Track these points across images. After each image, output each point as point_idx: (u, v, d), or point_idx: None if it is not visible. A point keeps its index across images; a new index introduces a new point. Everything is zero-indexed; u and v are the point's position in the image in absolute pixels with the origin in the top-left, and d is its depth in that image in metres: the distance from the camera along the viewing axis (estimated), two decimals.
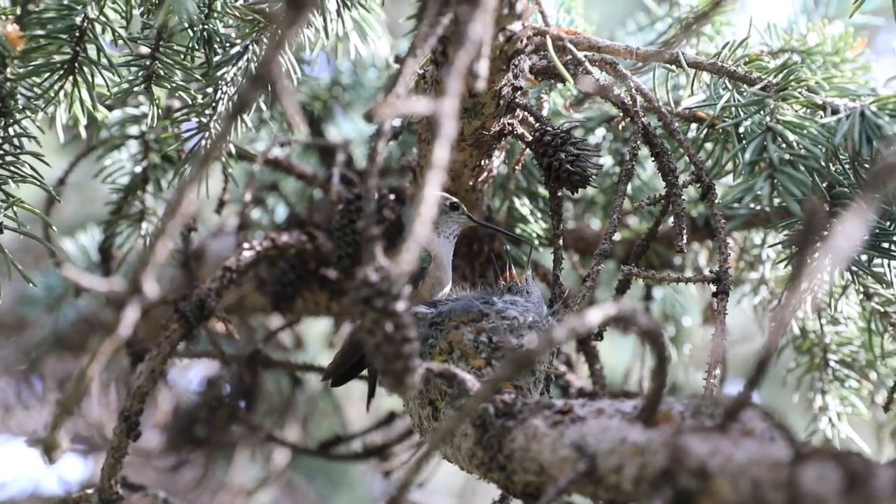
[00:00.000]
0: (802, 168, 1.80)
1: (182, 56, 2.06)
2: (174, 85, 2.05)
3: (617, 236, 2.51)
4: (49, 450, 1.51)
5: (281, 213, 2.84)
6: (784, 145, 1.82)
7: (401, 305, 1.48)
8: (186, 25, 2.02)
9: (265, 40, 1.94)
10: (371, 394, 2.15)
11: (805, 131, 1.83)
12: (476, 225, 2.16)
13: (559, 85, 2.22)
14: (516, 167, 2.27)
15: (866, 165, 1.81)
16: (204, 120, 2.09)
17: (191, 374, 3.51)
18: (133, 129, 2.38)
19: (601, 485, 1.54)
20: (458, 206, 2.13)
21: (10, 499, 3.98)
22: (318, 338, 3.44)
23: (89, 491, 2.15)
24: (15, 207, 2.00)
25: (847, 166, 1.88)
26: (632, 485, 1.49)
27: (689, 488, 1.40)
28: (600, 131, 2.46)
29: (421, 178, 2.18)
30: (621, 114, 2.09)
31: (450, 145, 1.31)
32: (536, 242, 2.33)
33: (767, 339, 1.36)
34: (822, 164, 1.84)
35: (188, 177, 1.29)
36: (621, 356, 3.00)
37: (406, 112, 1.30)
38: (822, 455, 1.30)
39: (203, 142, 2.07)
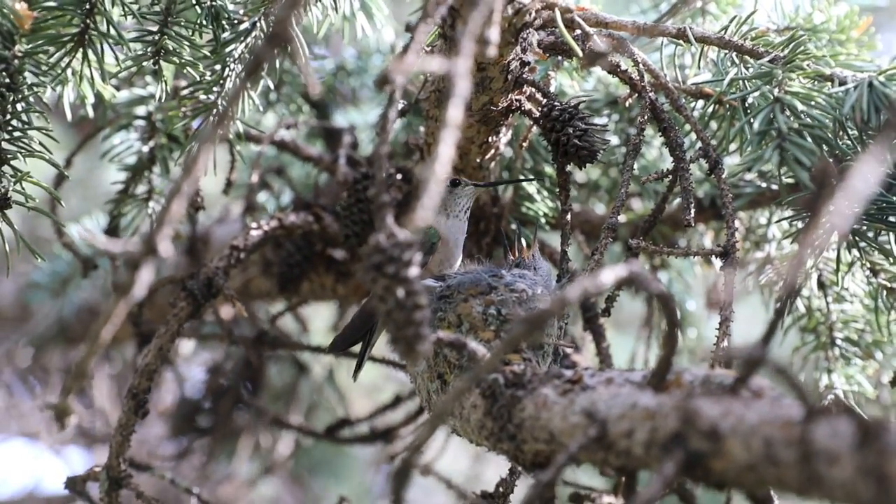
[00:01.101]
0: (810, 139, 1.80)
1: (190, 32, 2.06)
2: (183, 61, 2.05)
3: (622, 218, 2.53)
4: (62, 415, 1.51)
5: (287, 197, 2.84)
6: (792, 116, 1.82)
7: (413, 272, 1.49)
8: (195, 1, 2.03)
9: (277, 7, 1.94)
10: (359, 365, 2.13)
11: (813, 102, 1.84)
12: (484, 187, 2.17)
13: (566, 63, 2.23)
14: (522, 144, 2.27)
15: (874, 136, 1.82)
16: (211, 98, 2.09)
17: (195, 364, 3.52)
18: (140, 110, 2.38)
19: (612, 450, 1.54)
20: (459, 180, 2.14)
21: (10, 498, 3.99)
22: (321, 329, 3.45)
23: (97, 469, 2.15)
24: (23, 183, 2.00)
25: (855, 139, 1.89)
26: (643, 449, 1.49)
27: (701, 450, 1.41)
28: (606, 112, 2.46)
29: (428, 155, 2.19)
30: (628, 91, 2.10)
31: (463, 104, 1.31)
32: (543, 222, 2.34)
33: (782, 290, 1.36)
34: (830, 135, 1.84)
35: (204, 136, 1.30)
36: (621, 355, 3.00)
37: (420, 70, 1.30)
38: (834, 412, 1.31)
39: (210, 118, 2.07)
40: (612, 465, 1.60)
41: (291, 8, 1.25)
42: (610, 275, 1.39)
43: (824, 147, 1.82)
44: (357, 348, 2.14)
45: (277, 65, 2.02)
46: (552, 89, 2.18)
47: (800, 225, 1.99)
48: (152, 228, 1.34)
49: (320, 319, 3.54)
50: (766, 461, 1.34)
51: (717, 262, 2.01)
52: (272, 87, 2.26)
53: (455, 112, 1.30)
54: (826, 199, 1.33)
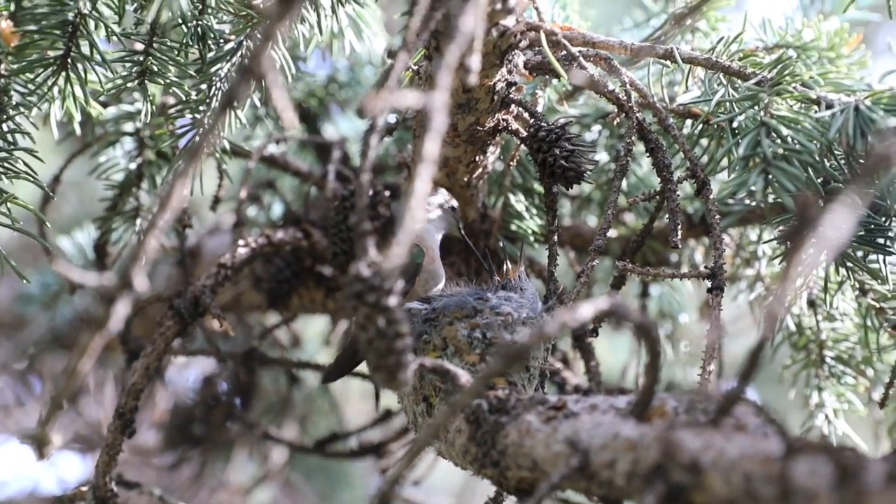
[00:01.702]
0: (796, 163, 1.80)
1: (176, 52, 2.05)
2: (168, 81, 2.05)
3: (613, 233, 2.52)
4: (41, 445, 1.51)
5: (277, 210, 2.83)
6: (778, 140, 1.81)
7: (393, 300, 1.48)
8: (180, 21, 2.02)
9: (257, 35, 1.94)
10: (378, 391, 2.14)
11: (799, 126, 1.83)
12: (458, 235, 2.18)
13: (554, 81, 2.21)
14: (511, 163, 2.27)
15: (860, 160, 1.81)
16: (198, 116, 2.09)
17: (188, 374, 3.52)
18: (128, 126, 2.37)
19: (594, 480, 1.53)
20: (456, 209, 2.16)
21: (9, 498, 3.99)
22: (315, 336, 3.44)
23: (84, 488, 2.15)
24: (9, 204, 1.99)
25: (842, 161, 1.88)
26: (624, 480, 1.49)
27: (682, 483, 1.40)
28: (596, 128, 2.45)
29: (414, 173, 2.18)
30: (616, 110, 2.09)
31: (440, 139, 1.31)
32: (532, 240, 2.33)
33: (761, 332, 1.35)
34: (817, 158, 1.83)
35: (179, 171, 1.29)
36: (618, 356, 3.00)
37: (396, 105, 1.29)
38: (814, 449, 1.30)
39: (196, 138, 2.06)
40: (594, 494, 1.60)
41: (265, 42, 1.24)
42: (590, 308, 1.39)
43: (810, 171, 1.81)
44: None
45: (253, 94, 2.02)
46: (541, 106, 2.17)
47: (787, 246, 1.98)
48: (128, 262, 1.33)
49: (315, 326, 3.54)
50: (745, 496, 1.34)
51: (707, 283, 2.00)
52: (259, 105, 2.25)
53: (432, 147, 1.29)
54: (807, 233, 1.32)
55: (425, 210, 1.33)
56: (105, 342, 1.36)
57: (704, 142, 2.09)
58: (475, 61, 1.47)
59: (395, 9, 2.56)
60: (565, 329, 1.36)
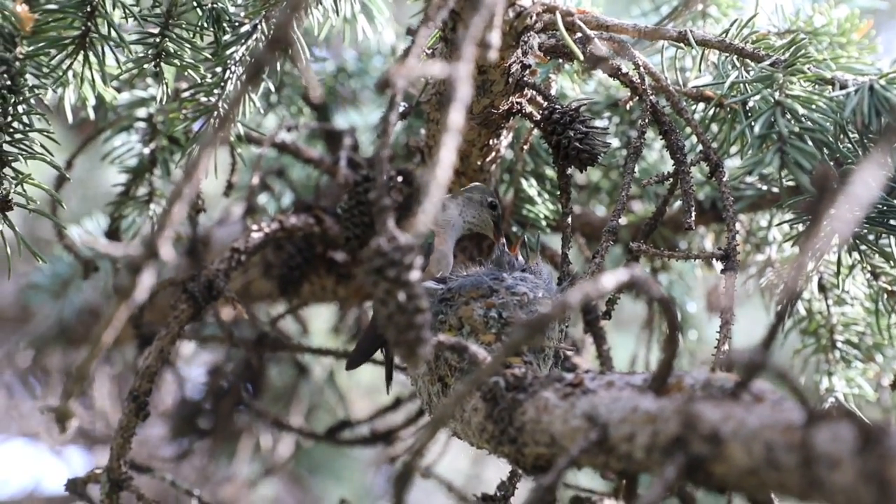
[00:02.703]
0: (811, 142, 1.81)
1: (191, 35, 2.06)
2: (183, 63, 2.05)
3: (623, 220, 2.53)
4: (62, 418, 1.51)
5: (288, 200, 2.84)
6: (793, 119, 1.82)
7: (413, 275, 1.49)
8: (196, 4, 2.03)
9: (278, 11, 1.94)
10: (389, 377, 2.14)
11: (814, 105, 1.84)
12: (489, 235, 2.18)
13: (567, 66, 2.23)
14: (524, 147, 2.28)
15: (875, 140, 1.82)
16: (212, 99, 2.09)
17: (196, 365, 3.52)
18: (141, 112, 2.38)
19: (613, 454, 1.54)
20: (497, 207, 2.15)
21: (10, 497, 3.99)
22: (320, 330, 3.45)
23: (98, 471, 2.15)
24: (24, 185, 2.00)
25: (856, 143, 1.89)
26: (644, 453, 1.49)
27: (702, 454, 1.41)
28: (606, 114, 2.46)
29: (429, 158, 2.19)
30: (629, 93, 2.10)
31: (464, 109, 1.32)
32: (544, 224, 2.34)
33: (778, 304, 1.36)
34: (831, 138, 1.84)
35: (206, 141, 1.30)
36: (624, 350, 3.00)
37: (421, 75, 1.30)
38: (836, 416, 1.31)
39: (212, 120, 2.07)
40: (613, 469, 1.60)
41: (292, 12, 1.25)
42: (611, 279, 1.39)
43: (825, 151, 1.82)
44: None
45: (278, 68, 2.02)
46: (553, 92, 2.18)
47: (800, 228, 2.00)
48: (153, 232, 1.34)
49: (321, 320, 3.54)
50: (767, 465, 1.34)
51: (718, 265, 2.01)
52: (273, 89, 2.26)
53: (456, 116, 1.30)
54: (827, 205, 1.33)
55: (449, 177, 1.33)
56: (130, 312, 1.36)
57: (715, 127, 2.10)
58: (495, 37, 1.48)
59: (401, 8, 2.58)
60: (587, 299, 1.37)
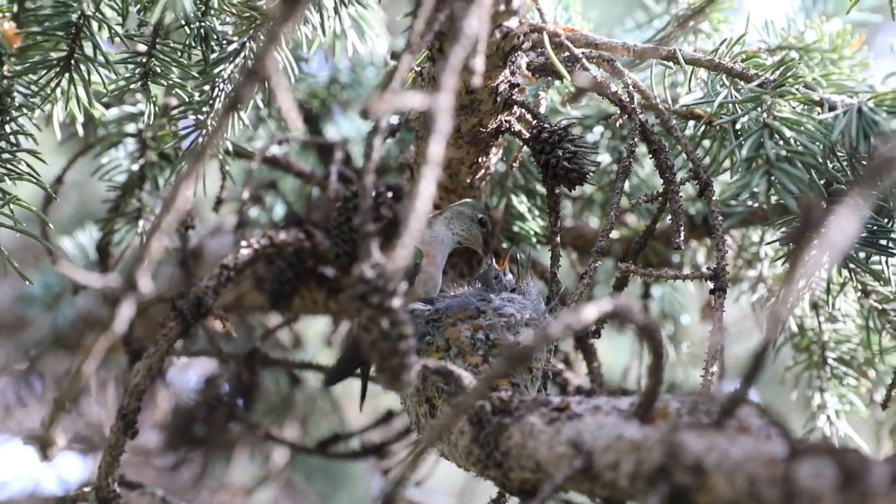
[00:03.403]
0: (799, 164, 1.80)
1: (179, 53, 2.05)
2: (171, 82, 2.05)
3: (615, 234, 2.52)
4: (44, 446, 1.51)
5: (279, 212, 2.83)
6: (781, 142, 1.82)
7: (397, 302, 1.48)
8: (183, 22, 2.02)
9: (261, 37, 1.94)
10: (363, 394, 2.15)
11: (802, 128, 1.83)
12: (478, 251, 2.17)
13: (556, 82, 2.22)
14: (514, 164, 2.27)
15: (863, 162, 1.81)
16: (201, 117, 2.09)
17: (189, 374, 3.52)
18: (130, 127, 2.37)
19: (597, 481, 1.53)
20: (486, 224, 2.13)
21: (10, 499, 3.99)
22: (316, 337, 3.44)
23: (86, 489, 2.15)
24: (11, 205, 1.99)
25: (844, 163, 1.88)
26: (628, 481, 1.49)
27: (685, 484, 1.40)
28: (598, 129, 2.45)
29: (418, 175, 2.18)
30: (618, 111, 2.09)
31: (445, 141, 1.31)
32: (534, 241, 2.33)
33: (764, 334, 1.35)
34: (820, 160, 1.83)
35: (184, 173, 1.29)
36: (620, 356, 3.00)
37: (401, 107, 1.30)
38: (818, 451, 1.30)
39: (200, 139, 2.06)
40: (598, 496, 1.60)
41: (270, 44, 1.25)
42: (593, 310, 1.39)
43: (813, 173, 1.81)
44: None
45: (259, 96, 2.02)
46: (543, 108, 2.17)
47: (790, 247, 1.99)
48: (132, 263, 1.33)
49: (316, 327, 3.54)
50: (749, 498, 1.34)
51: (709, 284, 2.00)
52: (262, 106, 2.25)
53: (436, 148, 1.29)
54: (811, 234, 1.32)
55: (429, 212, 1.33)
56: (109, 343, 1.36)
57: (706, 143, 2.09)
58: (479, 63, 1.48)
59: (396, 10, 2.56)
60: (569, 331, 1.36)
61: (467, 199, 2.17)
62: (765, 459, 1.34)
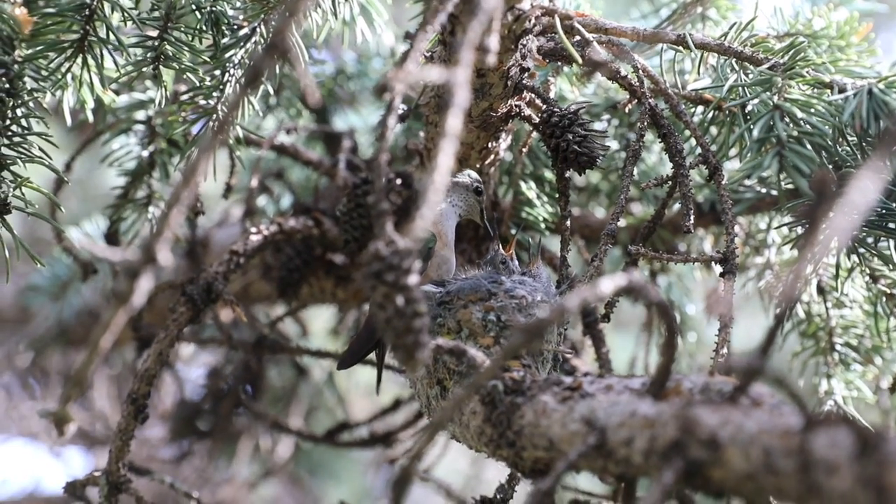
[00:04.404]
0: (810, 146, 1.81)
1: (190, 38, 2.06)
2: (182, 66, 2.05)
3: (622, 222, 2.53)
4: (60, 423, 1.51)
5: (287, 202, 2.84)
6: (791, 123, 1.82)
7: (412, 279, 1.49)
8: (194, 7, 2.03)
9: (276, 15, 1.94)
10: (379, 377, 2.15)
11: (813, 109, 1.84)
12: (478, 221, 2.17)
13: (566, 69, 2.23)
14: (522, 150, 2.27)
15: (873, 143, 1.82)
16: (211, 102, 2.09)
17: (195, 367, 3.53)
18: (140, 114, 2.38)
19: (611, 458, 1.54)
20: (482, 192, 2.14)
21: (10, 498, 3.99)
22: (321, 331, 3.45)
23: (97, 473, 2.15)
24: (23, 188, 2.00)
25: (854, 147, 1.89)
26: (642, 457, 1.49)
27: (700, 459, 1.41)
28: (605, 117, 2.46)
29: (428, 161, 2.19)
30: (628, 97, 2.10)
31: (462, 115, 1.31)
32: (543, 227, 2.34)
33: (776, 309, 1.36)
34: (830, 142, 1.84)
35: (204, 144, 1.30)
36: (623, 353, 3.00)
37: (419, 80, 1.30)
38: (834, 422, 1.31)
39: (211, 123, 2.07)
40: (611, 473, 1.60)
41: (290, 17, 1.25)
42: (609, 284, 1.39)
43: (824, 154, 1.82)
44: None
45: (276, 72, 2.02)
46: (552, 94, 2.18)
47: (799, 231, 2.00)
48: (151, 237, 1.34)
49: (320, 321, 3.54)
50: (765, 470, 1.34)
51: (717, 269, 2.01)
52: (272, 92, 2.26)
53: (454, 122, 1.30)
54: (825, 210, 1.33)
55: (447, 185, 1.33)
56: (128, 317, 1.36)
57: (714, 130, 2.10)
58: (494, 41, 1.48)
59: (399, 8, 2.58)
60: (585, 304, 1.37)
61: (466, 170, 2.17)
62: (780, 431, 1.34)
